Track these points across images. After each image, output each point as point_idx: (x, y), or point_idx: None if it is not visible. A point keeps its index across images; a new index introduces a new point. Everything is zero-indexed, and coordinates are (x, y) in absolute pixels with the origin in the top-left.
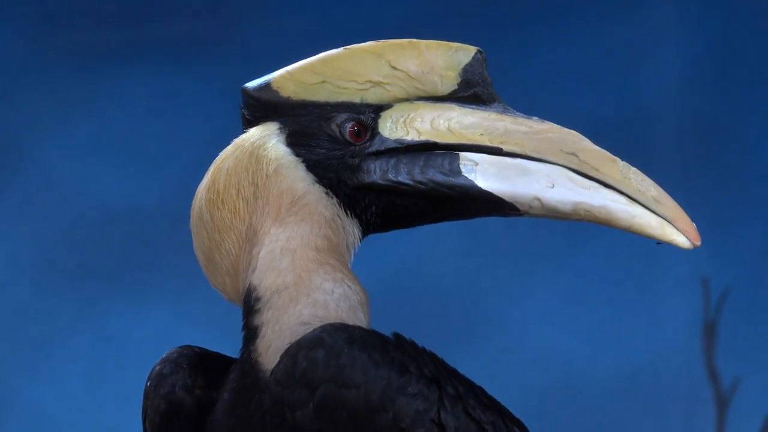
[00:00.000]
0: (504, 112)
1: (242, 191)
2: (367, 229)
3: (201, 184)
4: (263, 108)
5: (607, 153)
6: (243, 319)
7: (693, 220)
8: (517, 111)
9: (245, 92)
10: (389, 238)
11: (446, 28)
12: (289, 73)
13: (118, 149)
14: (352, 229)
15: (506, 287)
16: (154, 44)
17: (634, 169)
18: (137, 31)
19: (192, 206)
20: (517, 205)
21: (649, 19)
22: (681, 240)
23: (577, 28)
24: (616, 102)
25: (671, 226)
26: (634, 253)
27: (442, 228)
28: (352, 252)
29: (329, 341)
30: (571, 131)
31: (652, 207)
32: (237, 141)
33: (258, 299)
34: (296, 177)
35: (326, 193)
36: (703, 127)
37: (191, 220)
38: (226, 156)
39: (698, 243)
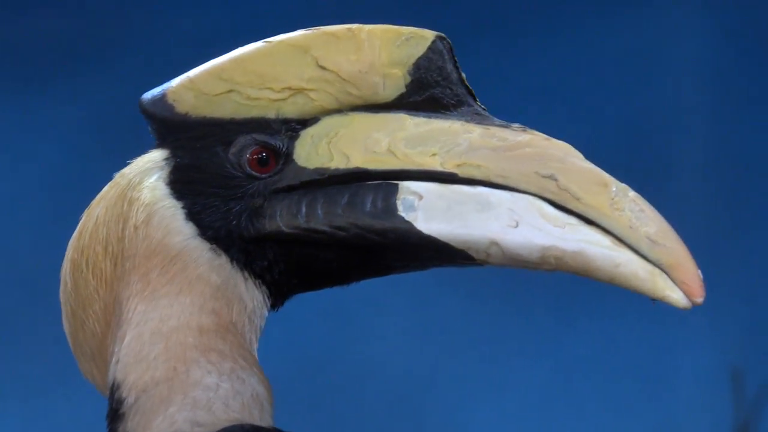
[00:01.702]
0: (473, 120)
1: (110, 249)
2: (278, 292)
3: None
4: (159, 128)
5: (599, 173)
6: (107, 427)
7: (715, 277)
8: (500, 118)
9: (140, 106)
10: (317, 304)
11: (426, 22)
12: (189, 80)
13: None
14: (252, 295)
15: (470, 377)
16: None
17: (633, 194)
18: None
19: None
20: (471, 253)
21: (662, 17)
22: (676, 297)
23: (581, 25)
24: (623, 113)
25: (665, 277)
26: (639, 330)
27: (392, 293)
28: (257, 325)
29: None
30: (559, 144)
31: (644, 250)
32: (116, 177)
33: (122, 401)
34: (171, 229)
35: (212, 250)
36: (732, 150)
37: (60, 285)
38: (99, 198)
39: (699, 300)
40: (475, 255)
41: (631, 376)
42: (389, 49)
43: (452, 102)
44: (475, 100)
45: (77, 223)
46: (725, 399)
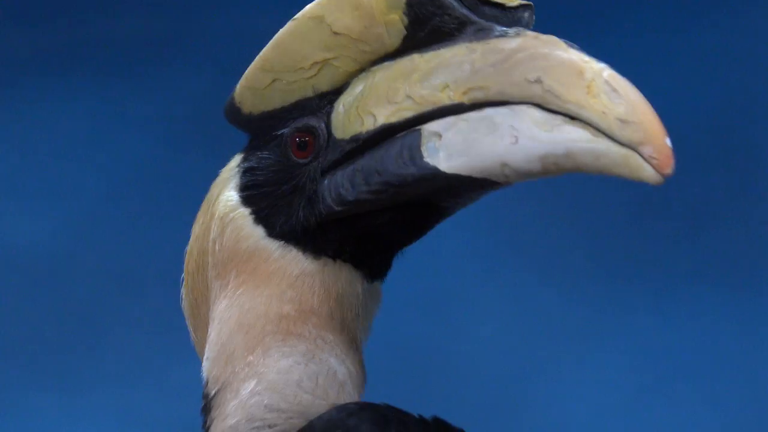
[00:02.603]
0: (476, 38)
1: (200, 262)
2: (366, 264)
3: None
4: (241, 131)
5: (575, 62)
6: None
7: None
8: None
9: (224, 113)
10: (413, 301)
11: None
12: (245, 78)
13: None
14: (336, 277)
15: (566, 373)
16: (76, 50)
17: (607, 74)
18: (48, 35)
19: None
20: (493, 178)
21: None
22: (647, 174)
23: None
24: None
25: (637, 157)
26: (739, 326)
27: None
28: (353, 303)
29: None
30: (545, 39)
31: (616, 134)
32: (211, 188)
33: (208, 395)
34: (241, 236)
35: (281, 246)
36: None
37: None
38: (199, 212)
39: (668, 171)
40: (496, 179)
41: (730, 373)
42: None
43: (454, 26)
44: (475, 10)
45: (168, 216)
46: None
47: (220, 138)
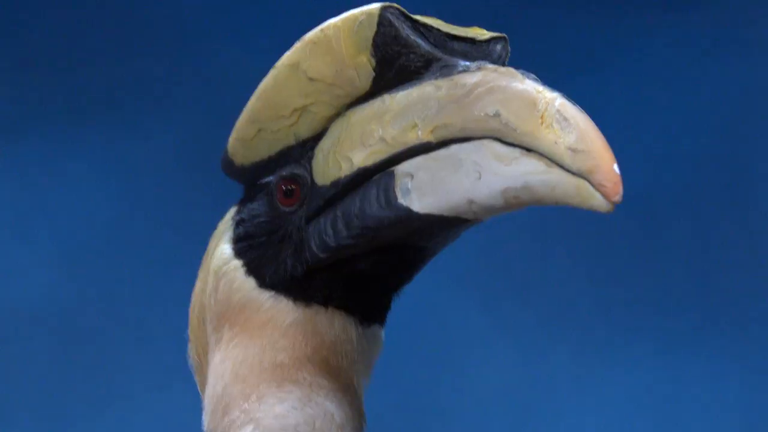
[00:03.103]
0: (441, 75)
1: (199, 316)
2: (359, 309)
3: None
4: (236, 181)
5: (528, 93)
6: None
7: None
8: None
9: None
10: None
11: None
12: (235, 130)
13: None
14: (330, 323)
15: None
16: (98, 96)
17: (559, 103)
18: (72, 80)
19: None
20: (463, 216)
21: None
22: (598, 203)
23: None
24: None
25: (587, 185)
26: None
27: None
28: (347, 349)
29: None
30: (503, 71)
31: (568, 163)
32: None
33: None
34: (233, 288)
35: (272, 297)
36: None
37: None
38: (204, 256)
39: (616, 198)
40: (466, 216)
41: (739, 425)
42: (350, 38)
43: (420, 64)
44: (443, 47)
45: (175, 263)
46: None
47: (223, 185)
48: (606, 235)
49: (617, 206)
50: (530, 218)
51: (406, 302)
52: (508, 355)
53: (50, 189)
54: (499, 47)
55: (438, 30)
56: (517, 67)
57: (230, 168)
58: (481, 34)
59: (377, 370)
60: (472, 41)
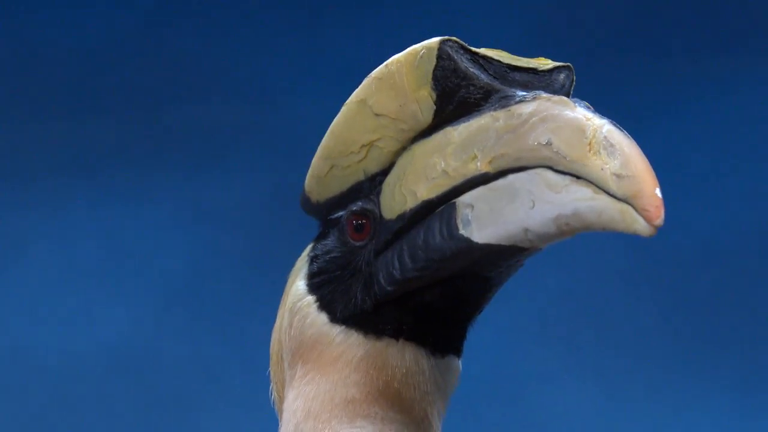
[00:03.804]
0: (500, 105)
1: (279, 354)
2: (432, 341)
3: None
4: (313, 218)
5: (577, 120)
6: None
7: None
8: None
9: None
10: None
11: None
12: (310, 168)
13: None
14: (402, 356)
15: None
16: (179, 141)
17: (606, 129)
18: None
19: None
20: (520, 245)
21: None
22: (641, 227)
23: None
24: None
25: (632, 210)
26: None
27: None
28: (420, 381)
29: None
30: (556, 99)
31: (613, 189)
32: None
33: None
34: (306, 324)
35: (343, 332)
36: None
37: None
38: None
39: (658, 222)
40: (523, 245)
41: None
42: (411, 72)
43: (480, 96)
44: (503, 78)
45: (253, 303)
46: None
47: (301, 225)
48: (688, 279)
49: (700, 251)
50: (612, 259)
51: (487, 340)
52: (587, 397)
53: (131, 232)
54: (562, 76)
55: (499, 61)
56: (570, 96)
57: (307, 205)
58: (544, 63)
59: (455, 409)
60: (534, 71)
